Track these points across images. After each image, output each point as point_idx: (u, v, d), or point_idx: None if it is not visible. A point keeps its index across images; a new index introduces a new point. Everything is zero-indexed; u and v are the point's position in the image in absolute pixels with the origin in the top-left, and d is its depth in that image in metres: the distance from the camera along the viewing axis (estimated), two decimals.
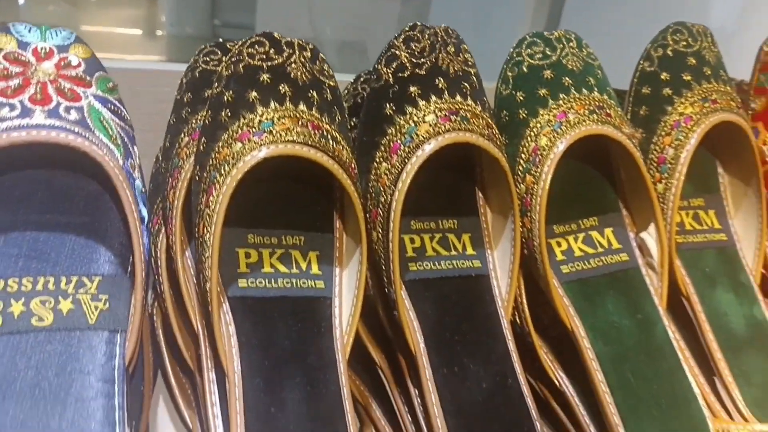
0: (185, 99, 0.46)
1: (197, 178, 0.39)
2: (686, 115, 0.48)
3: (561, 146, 0.43)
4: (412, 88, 0.41)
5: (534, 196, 0.43)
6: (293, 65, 0.39)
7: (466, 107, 0.41)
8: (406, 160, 0.40)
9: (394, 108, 0.41)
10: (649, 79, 0.50)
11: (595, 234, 0.47)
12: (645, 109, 0.50)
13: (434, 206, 0.45)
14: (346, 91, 0.54)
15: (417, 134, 0.40)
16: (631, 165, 0.46)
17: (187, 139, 0.42)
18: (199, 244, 0.37)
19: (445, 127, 0.40)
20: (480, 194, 0.46)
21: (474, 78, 0.43)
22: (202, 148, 0.39)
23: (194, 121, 0.43)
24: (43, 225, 0.33)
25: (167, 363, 0.42)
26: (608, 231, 0.47)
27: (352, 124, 0.48)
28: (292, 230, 0.41)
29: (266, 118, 0.37)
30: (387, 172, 0.40)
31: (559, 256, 0.45)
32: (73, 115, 0.32)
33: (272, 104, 0.37)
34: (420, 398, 0.40)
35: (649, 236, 0.47)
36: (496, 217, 0.45)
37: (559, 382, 0.44)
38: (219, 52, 0.46)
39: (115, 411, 0.31)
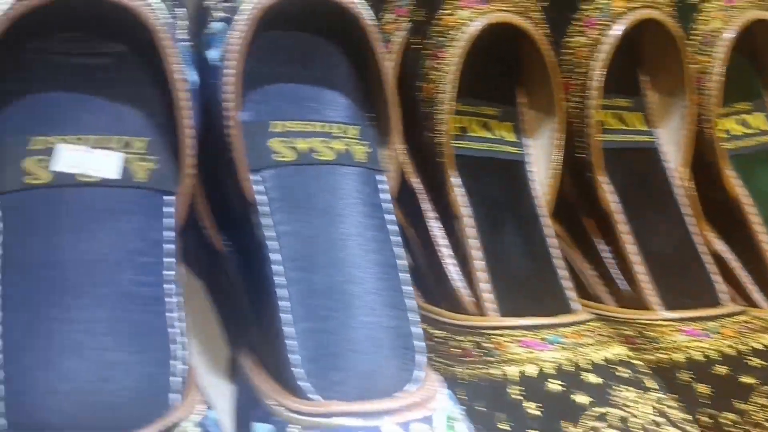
0: None
1: (416, 46, 0.41)
2: None
3: (733, 31, 0.45)
4: None
5: (709, 75, 0.46)
6: None
7: None
8: (604, 32, 0.43)
9: None
10: None
11: (749, 117, 0.50)
12: None
13: (611, 84, 0.48)
14: None
15: (612, 9, 0.43)
16: None
17: (391, 15, 0.45)
18: (426, 104, 0.40)
19: (638, 3, 0.43)
20: (647, 75, 0.49)
21: None
22: (421, 18, 0.42)
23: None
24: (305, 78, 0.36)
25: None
26: (759, 114, 0.50)
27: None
28: (487, 102, 0.45)
29: None
30: (585, 45, 0.43)
31: (720, 134, 0.49)
32: None
33: None
34: (613, 252, 0.43)
35: None
36: (663, 97, 0.48)
37: (715, 247, 0.48)
38: None
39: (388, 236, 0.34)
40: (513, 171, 0.43)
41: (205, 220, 0.36)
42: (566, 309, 0.39)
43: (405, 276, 0.33)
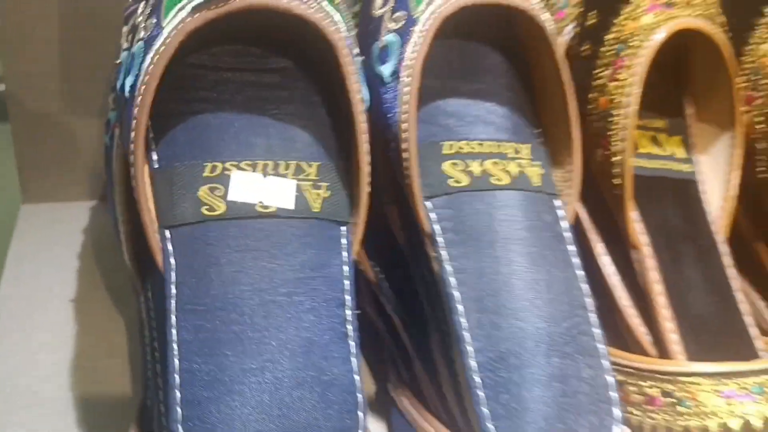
0: None
1: (587, 54, 0.37)
2: None
3: None
4: None
5: None
6: None
7: None
8: None
9: None
10: None
11: None
12: None
13: None
14: None
15: None
16: None
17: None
18: (600, 118, 0.35)
19: None
20: None
21: None
22: (593, 21, 0.37)
23: (557, 2, 0.40)
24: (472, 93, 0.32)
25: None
26: None
27: None
28: (655, 113, 0.39)
29: None
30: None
31: None
32: None
33: None
34: None
35: None
36: None
37: None
38: None
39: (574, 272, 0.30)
40: (686, 192, 0.38)
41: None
42: (752, 352, 0.33)
43: (595, 318, 0.29)
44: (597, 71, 0.36)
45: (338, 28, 0.27)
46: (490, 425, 0.25)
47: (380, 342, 0.36)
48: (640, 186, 0.37)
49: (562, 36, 0.40)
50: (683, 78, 0.40)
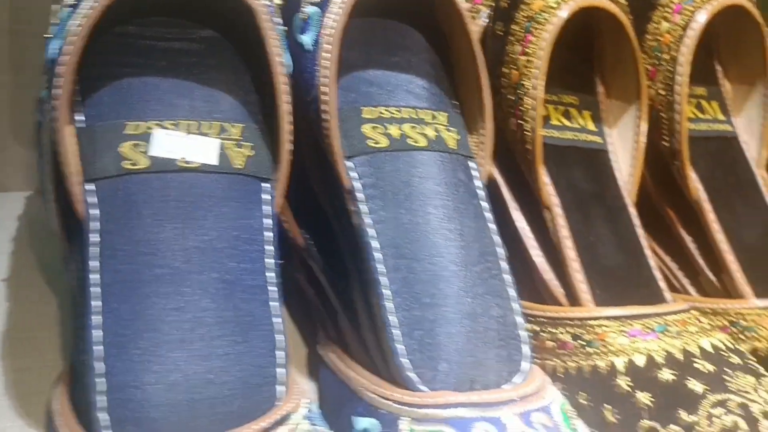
0: None
1: (501, 32, 0.39)
2: None
3: None
4: None
5: None
6: None
7: None
8: (690, 19, 0.39)
9: None
10: None
11: None
12: None
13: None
14: None
15: None
16: None
17: (468, 5, 0.42)
18: (512, 91, 0.37)
19: None
20: (721, 64, 0.45)
21: None
22: (505, 4, 0.39)
23: None
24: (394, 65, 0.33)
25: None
26: None
27: None
28: (567, 90, 0.41)
29: None
30: (669, 31, 0.40)
31: None
32: None
33: None
34: (696, 242, 0.40)
35: None
36: (737, 87, 0.45)
37: None
38: None
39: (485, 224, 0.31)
40: (597, 160, 0.40)
41: (283, 212, 0.33)
42: (660, 300, 0.35)
43: (505, 264, 0.31)
44: (509, 47, 0.38)
45: None
46: (404, 360, 0.27)
47: (311, 309, 0.37)
48: (553, 153, 0.39)
49: (478, 19, 0.42)
50: (595, 57, 0.42)
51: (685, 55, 0.39)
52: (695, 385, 0.29)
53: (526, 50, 0.37)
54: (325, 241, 0.33)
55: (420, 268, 0.29)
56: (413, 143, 0.32)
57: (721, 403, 0.28)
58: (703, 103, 0.44)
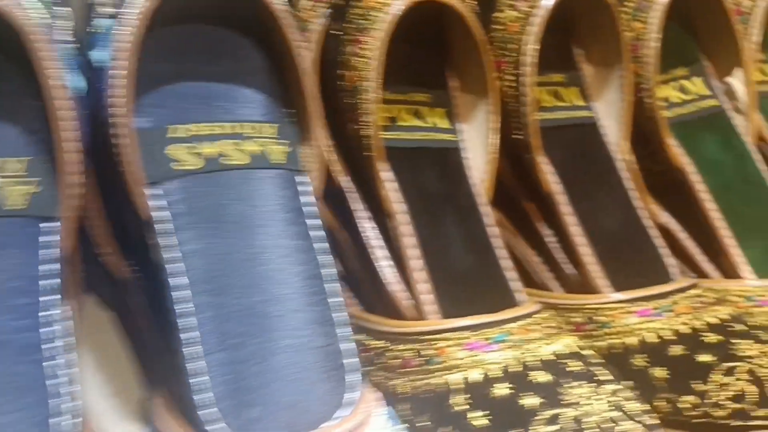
0: None
1: (336, 32, 0.36)
2: None
3: None
4: None
5: (645, 41, 0.41)
6: None
7: None
8: (535, 5, 0.38)
9: None
10: None
11: (686, 83, 0.46)
12: None
13: (544, 62, 0.43)
14: None
15: None
16: (717, 14, 0.45)
17: (309, 2, 0.40)
18: (350, 94, 0.35)
19: None
20: (578, 49, 0.44)
21: None
22: (339, 1, 0.36)
23: None
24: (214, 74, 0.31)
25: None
26: (697, 80, 0.46)
27: None
28: (417, 88, 0.39)
29: None
30: (515, 20, 0.38)
31: (660, 103, 0.45)
32: None
33: None
34: (557, 235, 0.39)
35: (734, 82, 0.46)
36: (598, 69, 0.44)
37: (662, 219, 0.44)
38: None
39: (311, 244, 0.29)
40: (448, 159, 0.38)
41: (103, 244, 0.30)
42: (511, 302, 0.34)
43: (332, 286, 0.28)
44: (343, 47, 0.35)
45: (27, 14, 0.25)
46: (209, 411, 0.24)
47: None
48: (400, 156, 0.37)
49: (320, 18, 0.39)
50: (444, 52, 0.41)
51: (530, 43, 0.37)
52: (530, 400, 0.27)
53: (361, 50, 0.34)
54: (143, 277, 0.31)
55: (233, 304, 0.26)
56: (231, 162, 0.29)
57: (554, 419, 0.27)
58: (561, 90, 0.43)
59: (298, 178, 0.31)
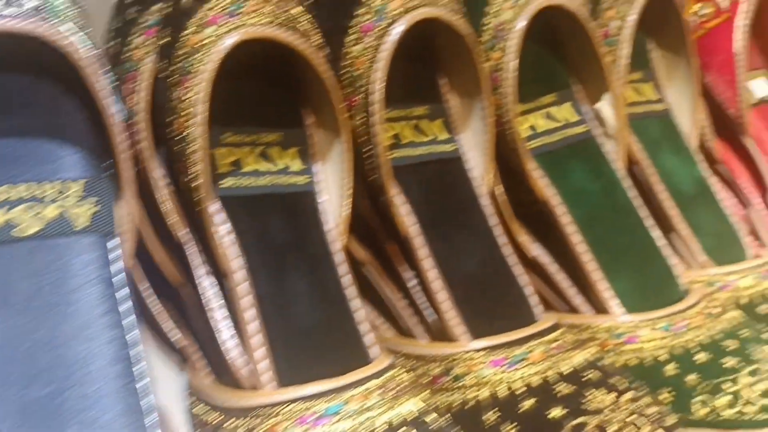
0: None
1: (165, 73, 0.33)
2: None
3: (524, 20, 0.40)
4: None
5: (503, 71, 0.40)
6: None
7: None
8: (382, 38, 0.36)
9: None
10: None
11: (554, 110, 0.45)
12: None
13: (403, 94, 0.41)
14: None
15: (388, 11, 0.36)
16: (582, 37, 0.44)
17: (140, 38, 0.36)
18: (178, 142, 0.32)
19: (414, 2, 0.36)
20: (443, 79, 0.42)
21: None
22: (167, 40, 0.33)
23: (148, 19, 0.37)
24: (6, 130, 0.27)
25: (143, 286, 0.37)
26: (565, 105, 0.45)
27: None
28: (266, 128, 0.37)
29: None
30: (362, 54, 0.36)
31: (525, 133, 0.43)
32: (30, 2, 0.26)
33: None
34: (417, 278, 0.37)
35: (603, 107, 0.45)
36: (462, 100, 0.42)
37: (534, 253, 0.42)
38: None
39: (119, 320, 0.26)
40: (300, 204, 0.36)
41: None
42: (364, 358, 0.32)
43: (141, 368, 0.26)
44: (169, 92, 0.33)
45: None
46: None
47: None
48: (242, 204, 0.34)
49: (151, 56, 0.36)
50: (299, 90, 0.38)
51: (377, 80, 0.35)
52: None
53: (184, 94, 0.32)
54: None
55: (16, 398, 0.23)
56: (20, 233, 0.26)
57: None
58: (423, 123, 0.41)
59: (109, 243, 0.28)
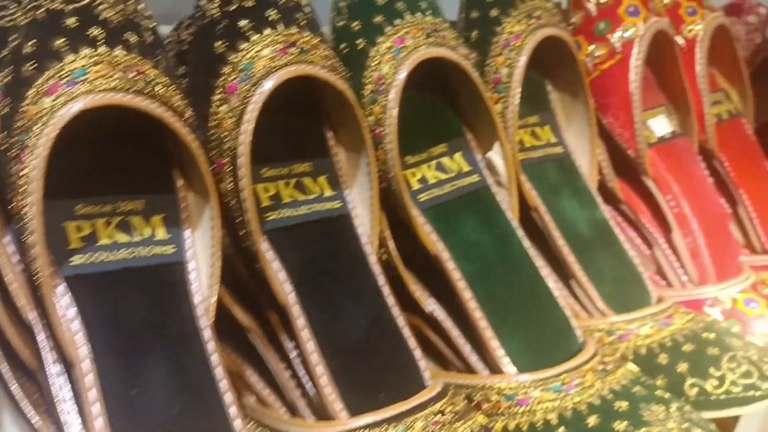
0: None
1: (4, 146, 0.31)
2: (514, 34, 0.46)
3: (404, 72, 0.39)
4: (243, 22, 0.35)
5: (384, 126, 0.38)
6: (101, 5, 0.32)
7: (303, 38, 0.35)
8: (248, 99, 0.34)
9: (225, 45, 0.35)
10: (477, 3, 0.47)
11: (445, 160, 0.43)
12: (476, 33, 0.47)
13: (284, 151, 0.39)
14: (168, 40, 0.46)
15: (254, 70, 0.34)
16: (470, 87, 0.43)
17: None
18: (18, 221, 0.29)
19: (283, 60, 0.35)
20: (330, 133, 0.41)
21: (308, 8, 0.37)
22: (6, 110, 0.31)
23: None
24: None
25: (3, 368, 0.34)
26: (457, 155, 0.44)
27: (182, 73, 0.41)
28: (127, 194, 0.34)
29: (78, 66, 0.30)
30: (228, 115, 0.34)
31: (415, 186, 0.42)
32: None
33: (83, 50, 0.30)
34: (297, 349, 0.35)
35: (495, 156, 0.44)
36: (349, 155, 0.40)
37: (429, 308, 0.41)
38: (13, 5, 0.37)
39: None
40: (164, 278, 0.33)
41: None
42: None
43: None
44: (8, 166, 0.30)
45: None
46: None
47: None
48: (99, 282, 0.31)
49: None
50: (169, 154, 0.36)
51: (243, 143, 0.33)
52: None
53: (21, 171, 0.29)
54: None
55: None
56: None
57: None
58: (307, 181, 0.39)
59: None
